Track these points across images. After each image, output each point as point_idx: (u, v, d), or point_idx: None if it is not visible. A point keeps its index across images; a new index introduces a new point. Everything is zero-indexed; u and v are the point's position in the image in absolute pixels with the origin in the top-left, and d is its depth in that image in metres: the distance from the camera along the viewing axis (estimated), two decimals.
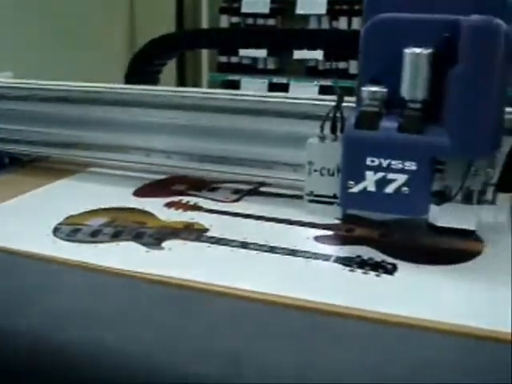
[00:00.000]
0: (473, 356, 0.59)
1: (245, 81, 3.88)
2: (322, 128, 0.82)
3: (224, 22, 3.95)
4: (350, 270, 0.75)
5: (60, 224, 0.88)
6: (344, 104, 0.84)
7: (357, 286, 0.72)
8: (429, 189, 0.76)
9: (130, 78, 1.36)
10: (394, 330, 0.63)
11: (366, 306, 0.66)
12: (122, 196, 1.01)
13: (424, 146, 0.74)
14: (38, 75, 1.23)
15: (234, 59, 3.98)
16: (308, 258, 0.78)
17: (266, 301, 0.68)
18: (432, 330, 0.62)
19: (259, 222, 0.91)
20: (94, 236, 0.84)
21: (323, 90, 3.87)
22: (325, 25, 3.91)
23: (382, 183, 0.75)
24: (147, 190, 1.06)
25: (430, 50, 0.73)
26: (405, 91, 0.75)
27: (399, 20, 0.78)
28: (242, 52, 3.85)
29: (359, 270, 0.75)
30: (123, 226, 0.88)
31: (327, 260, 0.78)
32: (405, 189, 0.75)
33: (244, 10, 3.80)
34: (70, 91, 1.14)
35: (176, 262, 0.77)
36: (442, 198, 0.77)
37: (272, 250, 0.80)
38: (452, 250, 0.81)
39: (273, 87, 3.90)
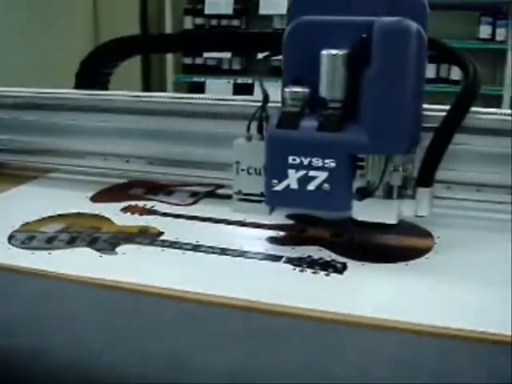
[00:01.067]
0: (411, 351, 0.61)
1: (210, 82, 3.90)
2: (248, 128, 0.84)
3: (188, 23, 3.96)
4: (301, 271, 0.76)
5: (15, 231, 0.88)
6: (272, 105, 0.85)
7: (305, 285, 0.73)
8: (350, 185, 0.78)
9: (80, 81, 1.36)
10: (335, 327, 0.65)
11: (310, 304, 0.67)
12: (79, 201, 1.01)
13: (342, 143, 0.76)
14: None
15: (198, 60, 3.99)
16: (259, 259, 0.79)
17: (213, 302, 0.69)
18: (371, 326, 0.64)
19: (213, 224, 0.92)
20: (49, 243, 0.84)
21: None
22: None
23: (304, 181, 0.77)
24: (104, 194, 1.06)
25: (345, 51, 0.76)
26: (323, 91, 0.77)
27: (318, 22, 0.80)
28: (207, 53, 3.86)
29: (309, 270, 0.76)
30: (79, 231, 0.88)
31: (278, 261, 0.79)
32: (326, 185, 0.77)
33: (208, 11, 3.82)
34: (27, 97, 1.15)
35: (128, 266, 0.78)
36: (364, 193, 0.80)
37: (223, 251, 0.81)
38: (402, 247, 0.84)
39: (238, 88, 3.91)
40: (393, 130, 0.75)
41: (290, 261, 0.78)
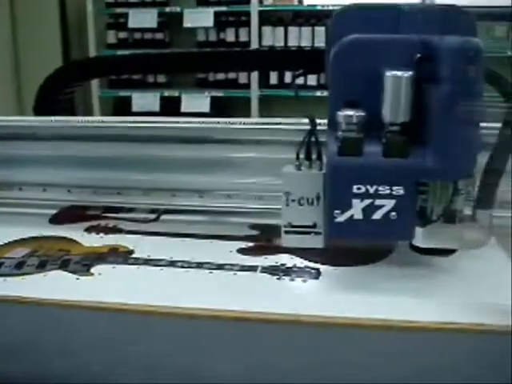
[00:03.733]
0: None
1: (136, 96, 3.79)
2: (297, 155, 0.78)
3: (111, 37, 3.84)
4: (278, 279, 0.78)
5: None
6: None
7: (288, 293, 0.76)
8: (415, 212, 0.74)
9: (40, 110, 1.26)
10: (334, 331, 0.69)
11: (303, 311, 0.70)
12: (38, 225, 0.98)
13: (410, 169, 0.72)
14: None
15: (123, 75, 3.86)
16: (236, 270, 0.81)
17: (206, 316, 0.70)
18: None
19: (181, 239, 0.92)
20: (19, 268, 0.81)
21: (215, 102, 3.85)
22: (212, 37, 3.89)
23: (369, 210, 0.73)
24: (63, 216, 1.04)
25: (410, 73, 0.72)
26: (386, 114, 0.73)
27: (373, 41, 0.76)
28: None
29: (286, 278, 0.79)
30: (47, 255, 0.85)
31: (254, 271, 0.80)
32: (393, 214, 0.73)
33: (131, 25, 3.71)
34: None
35: (110, 286, 0.77)
36: (426, 219, 0.76)
37: (200, 265, 0.82)
38: (366, 249, 0.85)
39: (165, 101, 3.83)
40: (464, 154, 0.72)
41: (266, 270, 0.81)
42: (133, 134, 1.01)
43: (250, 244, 0.89)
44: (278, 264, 0.82)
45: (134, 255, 0.86)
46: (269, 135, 0.97)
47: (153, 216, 1.02)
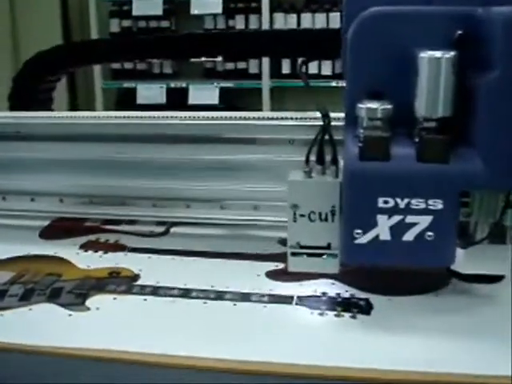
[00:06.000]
0: None
1: (141, 87, 3.64)
2: (307, 159, 0.63)
3: (114, 26, 3.69)
4: (320, 314, 0.64)
5: None
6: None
7: (334, 335, 0.60)
8: (456, 230, 0.59)
9: (16, 101, 1.10)
10: None
11: (353, 363, 0.55)
12: (26, 240, 0.84)
13: (453, 177, 0.56)
14: None
15: (127, 65, 3.72)
16: (266, 302, 0.67)
17: (227, 370, 0.56)
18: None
19: (196, 258, 0.78)
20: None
21: (224, 93, 3.70)
22: (221, 24, 3.73)
23: (399, 229, 0.58)
24: (56, 229, 0.90)
25: (452, 53, 0.56)
26: (421, 107, 0.57)
27: (400, 14, 0.60)
28: None
29: (330, 313, 0.64)
30: (34, 281, 0.72)
31: (289, 303, 0.66)
32: (429, 234, 0.57)
33: (135, 12, 3.55)
34: None
35: (110, 327, 0.63)
36: (470, 239, 0.60)
37: (220, 296, 0.68)
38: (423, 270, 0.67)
39: (171, 92, 3.67)
40: None
41: (303, 302, 0.67)
42: (137, 132, 0.87)
43: (281, 265, 0.74)
44: (318, 293, 0.68)
45: (139, 281, 0.72)
46: (302, 134, 0.80)
47: (161, 229, 0.87)
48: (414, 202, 0.57)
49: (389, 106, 0.58)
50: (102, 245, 0.84)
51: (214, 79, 3.75)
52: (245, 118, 0.84)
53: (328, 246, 0.63)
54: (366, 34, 0.60)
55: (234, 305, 0.66)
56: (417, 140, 0.58)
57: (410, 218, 0.57)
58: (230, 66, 3.75)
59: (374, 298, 0.67)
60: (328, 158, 0.64)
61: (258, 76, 3.68)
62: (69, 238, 0.86)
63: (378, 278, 0.69)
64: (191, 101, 3.65)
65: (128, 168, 0.87)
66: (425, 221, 0.57)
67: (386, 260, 0.60)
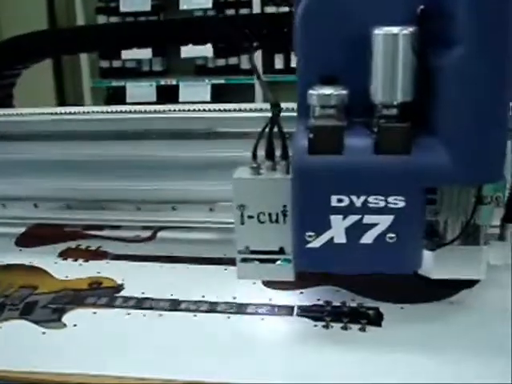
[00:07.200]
0: None
1: (130, 86, 3.57)
2: (254, 154, 0.56)
3: (102, 22, 3.62)
4: (324, 326, 0.57)
5: None
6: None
7: (342, 353, 0.52)
8: (422, 231, 0.52)
9: None
10: None
11: None
12: (0, 248, 0.79)
13: (415, 171, 0.49)
14: None
15: (116, 63, 3.65)
16: (263, 314, 0.60)
17: None
18: None
19: (185, 266, 0.72)
20: None
21: (216, 89, 3.64)
22: None
23: (355, 231, 0.51)
24: (33, 235, 0.84)
25: (410, 29, 0.49)
26: (378, 92, 0.50)
27: None
28: (125, 55, 3.53)
29: (336, 325, 0.57)
30: (6, 294, 0.67)
31: (290, 314, 0.60)
32: (391, 235, 0.51)
33: (123, 8, 3.48)
34: None
35: (85, 346, 0.56)
36: (439, 240, 0.53)
37: (213, 307, 0.62)
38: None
39: (161, 90, 3.61)
40: (491, 148, 0.49)
41: (304, 312, 0.60)
42: (119, 128, 0.80)
43: None
44: (322, 302, 0.62)
45: (122, 292, 0.67)
46: None
47: (147, 234, 0.82)
48: (371, 199, 0.50)
49: (343, 92, 0.52)
50: (83, 252, 0.78)
51: (205, 76, 3.68)
52: (235, 110, 0.78)
53: (281, 251, 0.56)
54: (314, 13, 0.54)
55: (228, 317, 0.61)
56: (375, 130, 0.51)
57: (367, 219, 0.51)
58: (221, 62, 3.69)
59: (385, 307, 0.61)
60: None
61: (250, 71, 3.61)
62: (47, 246, 0.80)
63: (388, 283, 0.62)
64: (182, 98, 3.59)
65: (108, 168, 0.81)
66: (385, 221, 0.51)
67: (342, 266, 0.53)
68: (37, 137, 0.83)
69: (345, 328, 0.58)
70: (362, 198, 0.50)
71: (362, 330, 0.57)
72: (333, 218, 0.51)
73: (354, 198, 0.50)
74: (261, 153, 0.56)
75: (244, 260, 0.57)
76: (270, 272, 0.57)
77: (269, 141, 0.56)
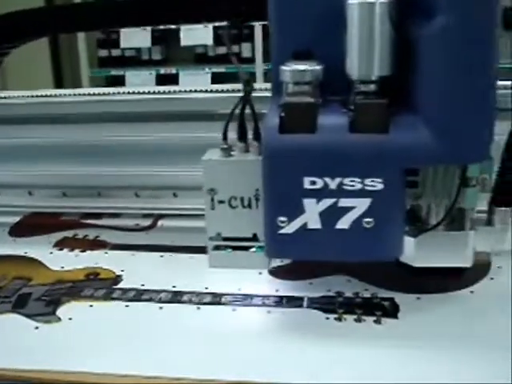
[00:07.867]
0: None
1: (130, 74, 3.54)
2: (224, 134, 0.52)
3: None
4: (337, 319, 0.53)
5: None
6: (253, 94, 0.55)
7: (357, 348, 0.48)
8: (402, 216, 0.49)
9: None
10: None
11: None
12: None
13: (394, 150, 0.46)
14: None
15: (115, 52, 3.62)
16: (271, 305, 0.55)
17: None
18: None
19: (187, 255, 0.67)
20: None
21: (216, 78, 3.61)
22: None
23: (330, 216, 0.48)
24: (29, 224, 0.81)
25: None
26: (354, 67, 0.47)
27: None
28: (124, 43, 3.50)
29: (349, 317, 0.53)
30: None
31: (299, 306, 0.55)
32: (368, 220, 0.47)
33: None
34: None
35: (80, 342, 0.52)
36: (421, 225, 0.50)
37: (217, 299, 0.57)
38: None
39: (161, 79, 3.57)
40: (476, 125, 0.45)
41: (314, 303, 0.55)
42: (113, 110, 0.77)
43: (286, 260, 0.63)
44: (332, 293, 0.57)
45: (121, 284, 0.63)
46: None
47: (147, 222, 0.78)
48: (347, 181, 0.47)
49: (318, 67, 0.48)
50: (80, 242, 0.75)
51: (206, 64, 3.65)
52: (234, 91, 0.72)
53: (254, 238, 0.53)
54: None
55: (234, 310, 0.56)
56: (351, 107, 0.47)
57: (343, 202, 0.48)
58: (221, 50, 3.64)
59: (401, 298, 0.56)
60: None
61: (251, 60, 3.57)
62: (42, 235, 0.77)
63: (404, 269, 0.57)
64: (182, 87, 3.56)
65: (105, 152, 0.78)
66: (362, 204, 0.47)
67: (317, 253, 0.50)
68: (29, 120, 0.79)
69: (358, 320, 0.53)
70: (337, 180, 0.47)
71: (378, 322, 0.53)
72: (306, 201, 0.48)
73: (328, 180, 0.47)
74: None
75: (216, 247, 0.54)
76: (243, 260, 0.54)
77: (240, 121, 0.53)
